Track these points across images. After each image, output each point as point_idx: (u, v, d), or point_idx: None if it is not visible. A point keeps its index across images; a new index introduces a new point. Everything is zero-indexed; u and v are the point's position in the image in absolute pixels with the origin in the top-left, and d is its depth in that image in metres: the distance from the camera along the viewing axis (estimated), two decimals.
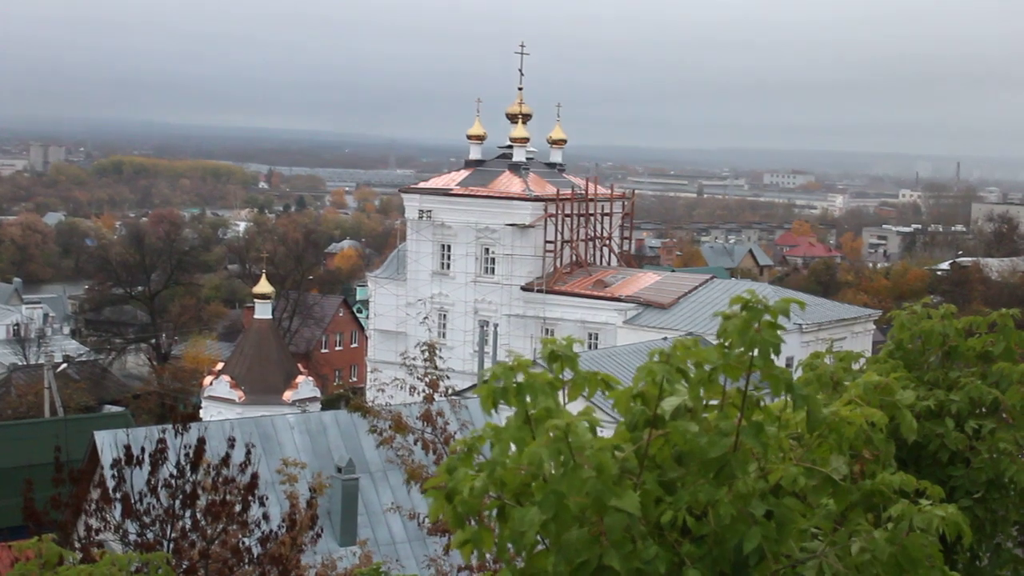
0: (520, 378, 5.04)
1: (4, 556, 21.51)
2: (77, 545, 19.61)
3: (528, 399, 4.99)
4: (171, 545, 19.82)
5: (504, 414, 5.48)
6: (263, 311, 68.76)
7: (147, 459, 20.37)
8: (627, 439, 4.93)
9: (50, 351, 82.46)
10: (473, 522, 5.05)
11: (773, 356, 5.05)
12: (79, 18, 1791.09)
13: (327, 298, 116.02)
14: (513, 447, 4.94)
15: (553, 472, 4.69)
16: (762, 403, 5.16)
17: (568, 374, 5.29)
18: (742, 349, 4.96)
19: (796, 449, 5.61)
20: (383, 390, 24.84)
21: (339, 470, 34.47)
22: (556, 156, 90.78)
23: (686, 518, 4.76)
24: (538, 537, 4.86)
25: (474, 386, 56.76)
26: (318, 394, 68.74)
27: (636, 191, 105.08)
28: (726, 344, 4.99)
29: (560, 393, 5.21)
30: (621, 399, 5.06)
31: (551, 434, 4.72)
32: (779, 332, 4.98)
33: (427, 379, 22.55)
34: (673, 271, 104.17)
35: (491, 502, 5.00)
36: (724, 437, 4.86)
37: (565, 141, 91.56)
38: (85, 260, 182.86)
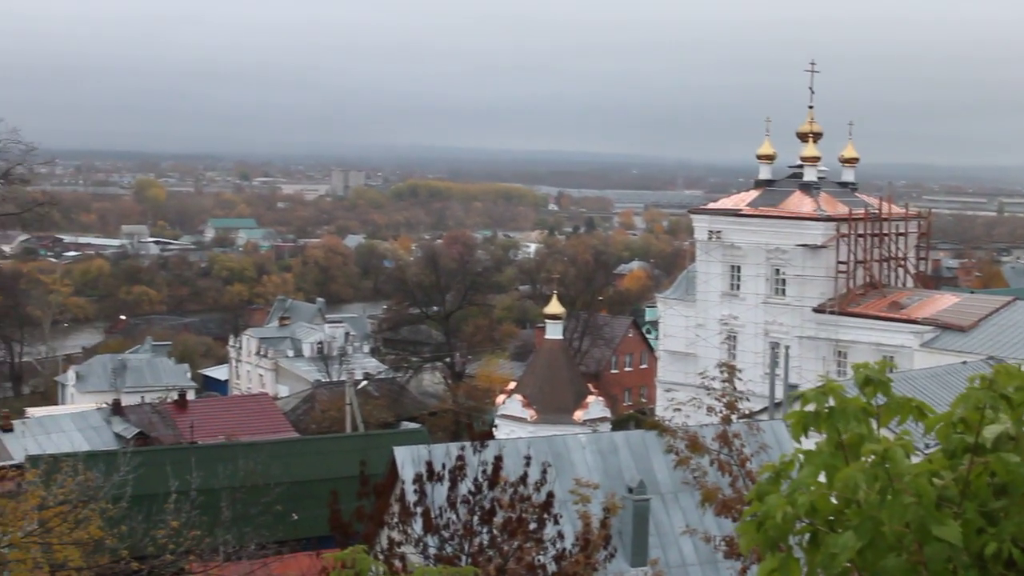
0: (832, 403, 4.99)
1: (314, 565, 22.42)
2: (380, 557, 20.27)
3: (840, 424, 4.93)
4: (468, 560, 20.26)
5: (797, 439, 5.43)
6: (554, 331, 69.59)
7: (447, 475, 20.90)
8: (945, 467, 4.81)
9: (351, 369, 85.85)
10: (782, 547, 5.02)
11: None
12: (379, 48, 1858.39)
13: (616, 319, 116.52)
14: (824, 473, 4.89)
15: (869, 498, 4.63)
16: None
17: (879, 399, 5.20)
18: None
19: None
20: (679, 409, 24.79)
21: (630, 490, 34.50)
22: (848, 175, 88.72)
23: (1012, 550, 4.61)
24: (848, 564, 4.80)
25: (765, 409, 56.04)
26: (608, 414, 69.05)
27: (932, 210, 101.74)
28: None
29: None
30: (938, 425, 4.95)
31: (867, 459, 4.66)
32: None
33: (725, 400, 22.36)
34: (972, 293, 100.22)
35: (803, 527, 4.96)
36: None
37: (857, 160, 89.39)
38: (383, 281, 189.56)
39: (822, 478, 4.89)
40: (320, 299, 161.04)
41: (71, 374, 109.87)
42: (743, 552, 5.36)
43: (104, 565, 27.67)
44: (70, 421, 76.39)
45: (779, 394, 59.28)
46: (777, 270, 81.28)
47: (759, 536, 4.98)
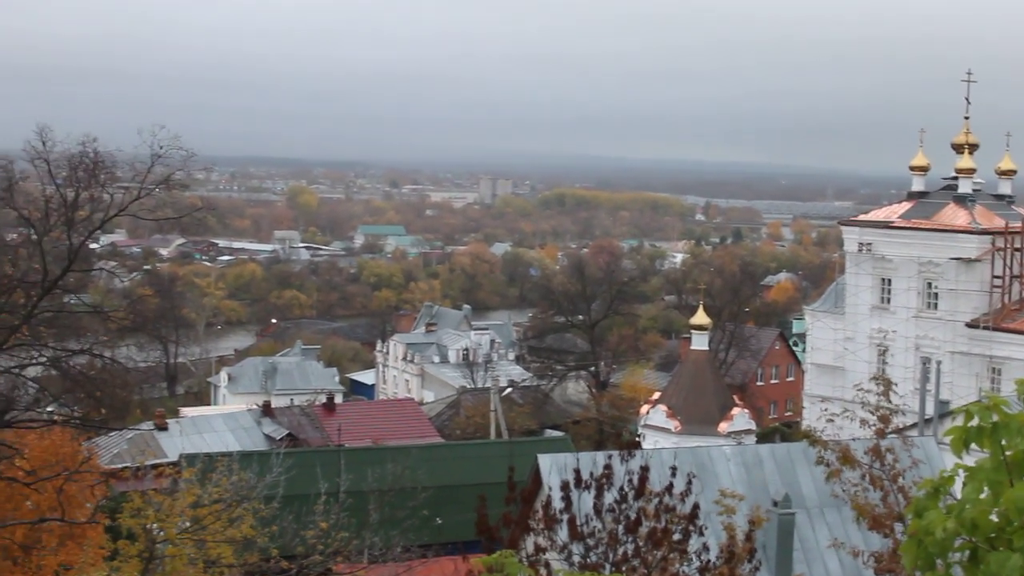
0: (995, 418, 4.95)
1: (459, 569, 22.66)
2: (524, 563, 20.39)
3: (1005, 440, 4.88)
4: (612, 569, 20.29)
5: (958, 455, 5.37)
6: (699, 342, 69.15)
7: (593, 483, 20.96)
8: None
9: (496, 375, 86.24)
10: (941, 564, 4.99)
11: None
12: (529, 56, 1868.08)
13: (763, 330, 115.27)
14: (987, 489, 4.85)
15: None
16: None
17: None
18: None
19: None
20: (832, 420, 24.47)
21: (775, 504, 34.14)
22: (1005, 187, 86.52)
23: None
24: None
25: (915, 425, 55.00)
26: (753, 427, 68.39)
27: None
28: None
29: None
30: None
31: None
32: None
33: (878, 414, 22.03)
34: None
35: (962, 544, 4.92)
36: None
37: (1015, 171, 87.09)
38: (529, 289, 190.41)
39: (984, 495, 4.84)
40: (466, 306, 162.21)
41: (223, 375, 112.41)
42: (907, 571, 5.26)
43: (254, 563, 28.30)
44: (222, 421, 78.23)
45: (930, 410, 58.13)
46: (929, 283, 79.64)
47: (920, 551, 4.95)
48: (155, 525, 26.70)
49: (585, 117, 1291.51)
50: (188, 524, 26.97)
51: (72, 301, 39.85)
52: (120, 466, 59.97)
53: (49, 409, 40.70)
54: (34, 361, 35.31)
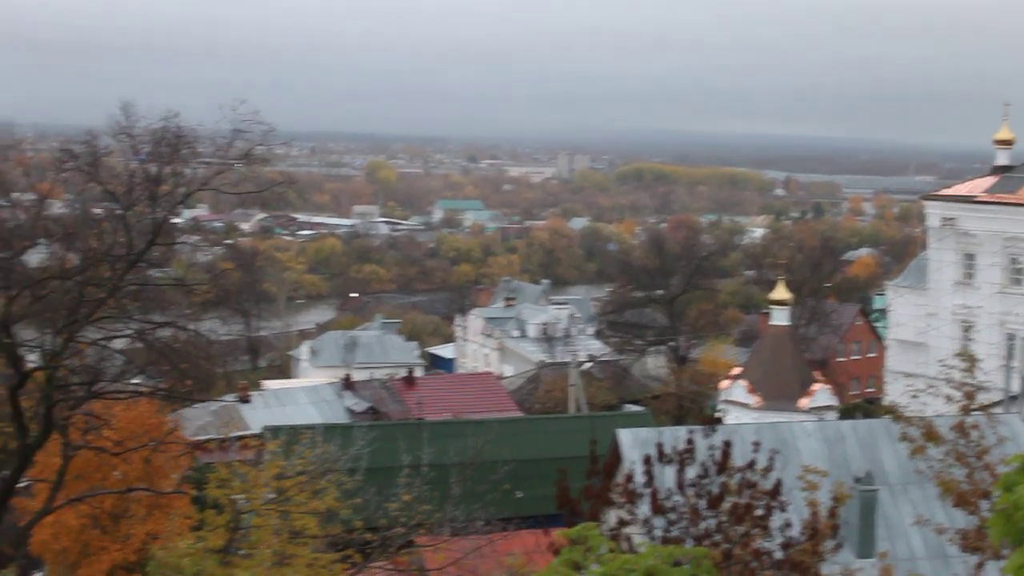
0: None
1: (540, 543, 22.78)
2: (606, 536, 20.44)
3: None
4: (693, 543, 20.30)
5: None
6: (780, 317, 68.73)
7: (676, 458, 20.99)
8: None
9: (575, 350, 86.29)
10: None
11: None
12: (607, 31, 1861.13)
13: (844, 306, 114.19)
14: None
15: None
16: None
17: None
18: None
19: None
20: (916, 396, 24.26)
21: (857, 480, 33.93)
22: None
23: None
24: None
25: (1000, 402, 54.34)
26: (835, 403, 67.88)
27: None
28: None
29: None
30: None
31: None
32: None
33: (963, 390, 21.81)
34: None
35: None
36: None
37: None
38: (607, 264, 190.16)
39: None
40: (545, 280, 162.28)
41: (305, 349, 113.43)
42: (993, 543, 5.25)
43: (338, 534, 28.63)
44: (303, 394, 79.10)
45: (1015, 387, 57.42)
46: (1014, 259, 78.52)
47: (1009, 527, 4.93)
48: (240, 496, 27.09)
49: (663, 91, 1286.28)
50: (273, 495, 27.33)
51: (156, 274, 40.41)
52: (205, 438, 60.93)
53: (135, 381, 41.34)
54: (120, 333, 35.84)
